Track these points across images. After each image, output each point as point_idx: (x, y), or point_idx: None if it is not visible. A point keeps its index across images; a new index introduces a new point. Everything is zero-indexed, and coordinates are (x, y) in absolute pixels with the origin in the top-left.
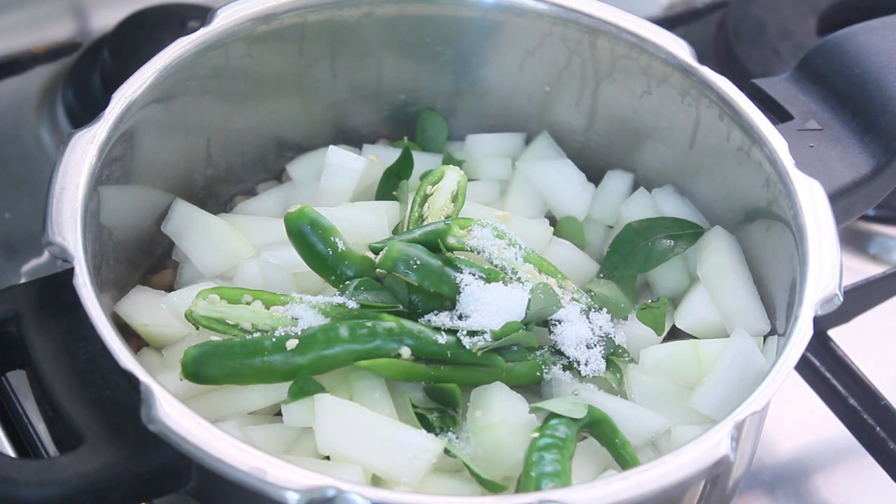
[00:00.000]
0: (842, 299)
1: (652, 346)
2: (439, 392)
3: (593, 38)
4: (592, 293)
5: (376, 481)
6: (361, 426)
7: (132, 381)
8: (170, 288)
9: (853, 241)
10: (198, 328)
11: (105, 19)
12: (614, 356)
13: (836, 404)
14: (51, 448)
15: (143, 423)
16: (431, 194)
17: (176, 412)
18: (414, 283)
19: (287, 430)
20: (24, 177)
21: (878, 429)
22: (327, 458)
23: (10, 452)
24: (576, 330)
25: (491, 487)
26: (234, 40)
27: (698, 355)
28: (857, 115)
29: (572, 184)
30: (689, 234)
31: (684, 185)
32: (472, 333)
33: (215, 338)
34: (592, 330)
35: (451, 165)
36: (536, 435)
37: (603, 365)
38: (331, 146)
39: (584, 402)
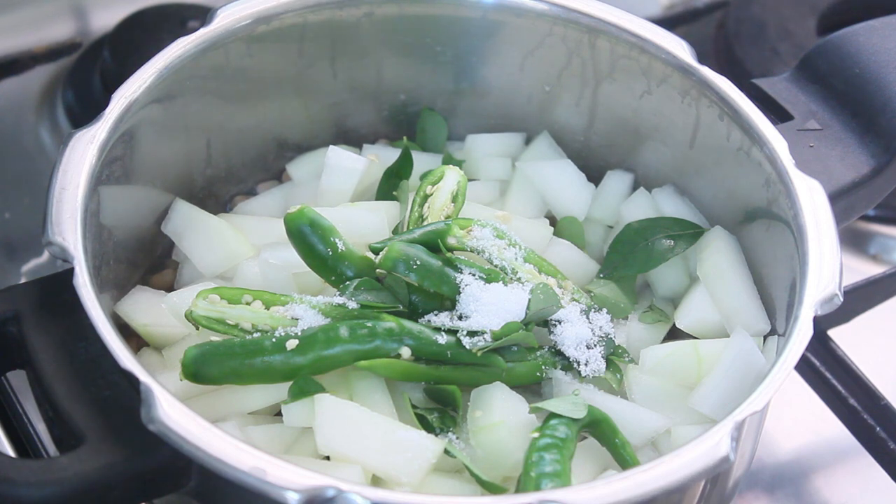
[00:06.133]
0: (842, 299)
1: (652, 346)
2: (439, 392)
3: (593, 38)
4: (592, 293)
5: (376, 481)
6: (361, 426)
7: (132, 381)
8: (170, 288)
9: (853, 241)
10: (198, 328)
11: (105, 19)
12: (614, 356)
13: (836, 404)
14: (51, 448)
15: (143, 423)
16: (431, 194)
17: (176, 412)
18: (414, 284)
19: (287, 430)
20: (24, 177)
21: (878, 429)
22: (327, 458)
23: (10, 452)
24: (576, 330)
25: (491, 489)
26: (234, 40)
27: (698, 355)
28: (857, 115)
29: (572, 184)
30: (689, 234)
31: (684, 185)
32: (472, 333)
33: (215, 338)
34: (592, 330)
35: (451, 165)
36: (536, 435)
37: (603, 365)
38: (331, 146)
39: (584, 402)
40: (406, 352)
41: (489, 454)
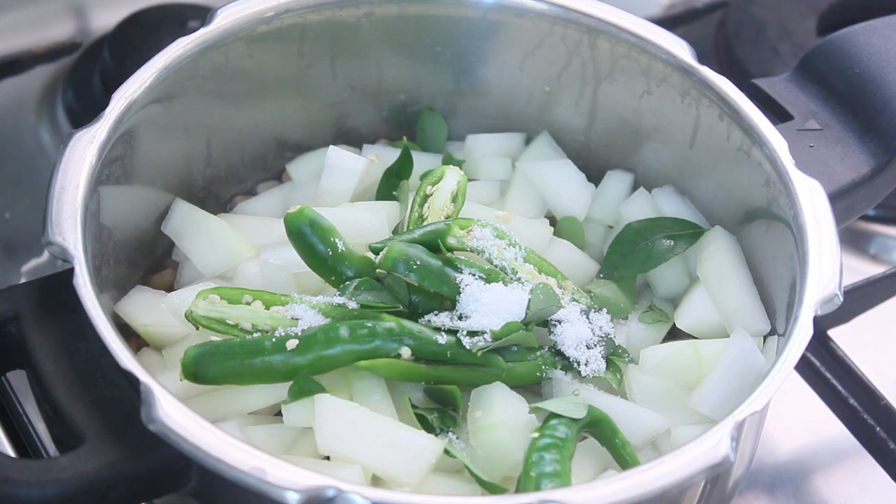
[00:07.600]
0: (842, 299)
1: (652, 346)
2: (439, 392)
3: (593, 38)
4: (592, 293)
5: (376, 481)
6: (361, 426)
7: (132, 381)
8: (170, 288)
9: (853, 241)
10: (198, 328)
11: (105, 19)
12: (614, 356)
13: (836, 404)
14: (51, 448)
15: (143, 423)
16: (431, 194)
17: (176, 412)
18: (414, 284)
19: (287, 430)
20: (24, 177)
21: (878, 429)
22: (327, 458)
23: (10, 452)
24: (576, 330)
25: (491, 489)
26: (234, 40)
27: (698, 355)
28: (857, 115)
29: (572, 184)
30: (689, 234)
31: (684, 185)
32: (472, 334)
33: (215, 338)
34: (592, 330)
35: (451, 165)
36: (536, 435)
37: (603, 365)
38: (331, 146)
39: (584, 402)
40: (406, 352)
41: (489, 454)
